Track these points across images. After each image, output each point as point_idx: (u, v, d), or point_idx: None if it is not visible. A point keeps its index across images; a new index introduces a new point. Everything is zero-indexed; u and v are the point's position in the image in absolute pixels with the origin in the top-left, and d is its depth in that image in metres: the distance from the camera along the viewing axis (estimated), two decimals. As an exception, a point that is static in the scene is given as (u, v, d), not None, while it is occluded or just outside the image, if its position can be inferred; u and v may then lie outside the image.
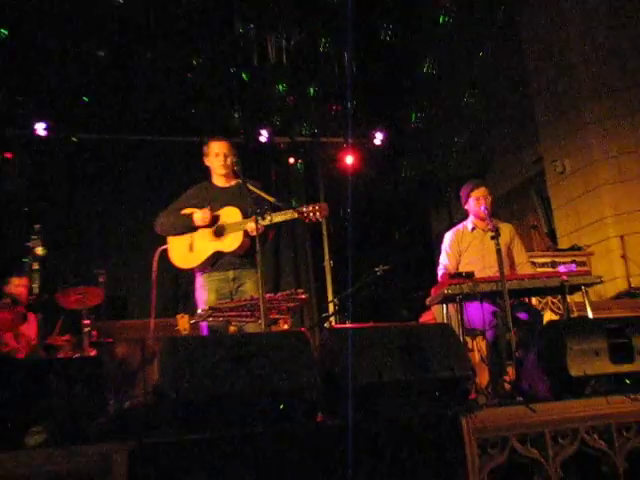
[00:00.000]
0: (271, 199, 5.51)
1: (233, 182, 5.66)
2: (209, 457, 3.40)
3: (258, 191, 5.56)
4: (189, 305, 7.52)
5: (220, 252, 5.52)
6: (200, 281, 5.64)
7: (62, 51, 9.54)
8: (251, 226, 5.22)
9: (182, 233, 5.62)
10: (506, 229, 6.23)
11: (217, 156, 5.75)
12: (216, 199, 5.67)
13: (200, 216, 5.55)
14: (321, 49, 10.98)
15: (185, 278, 7.38)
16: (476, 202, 6.29)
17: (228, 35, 10.40)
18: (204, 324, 5.32)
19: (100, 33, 9.76)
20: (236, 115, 10.77)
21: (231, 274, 5.55)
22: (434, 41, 11.61)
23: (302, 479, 3.51)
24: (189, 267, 5.66)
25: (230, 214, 5.53)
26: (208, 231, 5.56)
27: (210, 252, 5.53)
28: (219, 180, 5.83)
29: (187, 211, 5.68)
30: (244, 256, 5.43)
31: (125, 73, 9.95)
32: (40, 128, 9.66)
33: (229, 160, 5.71)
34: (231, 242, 5.47)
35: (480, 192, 6.31)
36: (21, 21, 9.43)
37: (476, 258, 6.21)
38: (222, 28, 10.39)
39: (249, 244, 5.26)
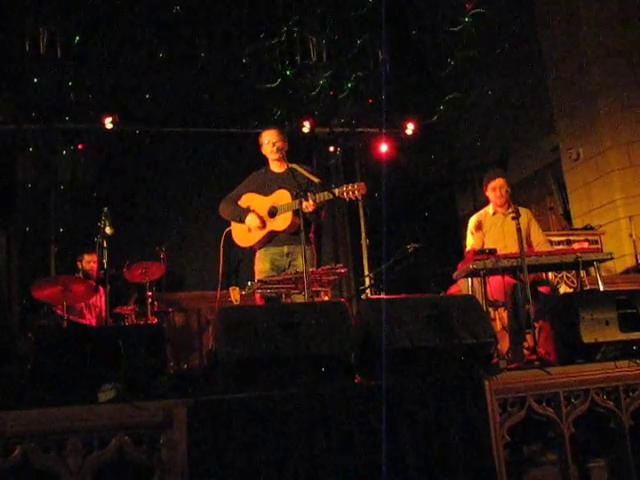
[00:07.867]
0: (316, 180, 5.55)
1: (286, 167, 5.69)
2: (256, 413, 3.45)
3: (307, 174, 5.61)
4: (239, 280, 7.58)
5: (273, 231, 5.57)
6: (258, 254, 5.71)
7: (126, 54, 9.63)
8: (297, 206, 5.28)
9: (239, 222, 5.70)
10: (524, 213, 6.16)
11: (269, 143, 5.78)
12: (271, 183, 5.71)
13: (251, 220, 5.61)
14: (357, 47, 10.96)
15: (235, 256, 7.41)
16: (492, 192, 6.31)
17: (274, 36, 10.43)
18: (258, 295, 5.37)
19: (160, 37, 9.85)
20: (282, 108, 10.80)
21: (285, 249, 5.60)
22: (459, 38, 11.51)
23: (340, 435, 3.55)
24: (248, 245, 5.74)
25: (281, 196, 5.56)
26: (263, 212, 5.61)
27: (265, 232, 5.59)
28: (274, 166, 5.86)
29: (246, 198, 5.76)
30: (297, 233, 5.39)
31: (183, 73, 10.02)
32: (107, 122, 9.75)
33: (280, 145, 5.75)
34: (282, 222, 5.51)
35: (496, 183, 6.30)
36: (90, 27, 9.54)
37: (497, 239, 6.17)
38: (269, 30, 10.42)
39: (299, 223, 5.26)
